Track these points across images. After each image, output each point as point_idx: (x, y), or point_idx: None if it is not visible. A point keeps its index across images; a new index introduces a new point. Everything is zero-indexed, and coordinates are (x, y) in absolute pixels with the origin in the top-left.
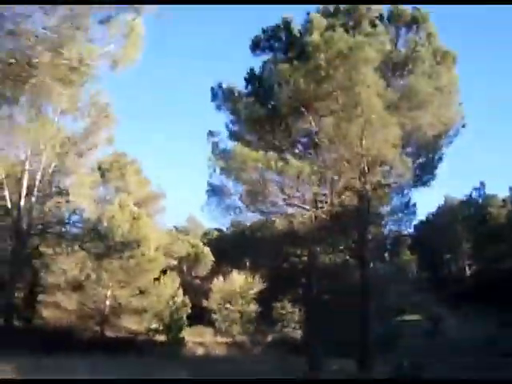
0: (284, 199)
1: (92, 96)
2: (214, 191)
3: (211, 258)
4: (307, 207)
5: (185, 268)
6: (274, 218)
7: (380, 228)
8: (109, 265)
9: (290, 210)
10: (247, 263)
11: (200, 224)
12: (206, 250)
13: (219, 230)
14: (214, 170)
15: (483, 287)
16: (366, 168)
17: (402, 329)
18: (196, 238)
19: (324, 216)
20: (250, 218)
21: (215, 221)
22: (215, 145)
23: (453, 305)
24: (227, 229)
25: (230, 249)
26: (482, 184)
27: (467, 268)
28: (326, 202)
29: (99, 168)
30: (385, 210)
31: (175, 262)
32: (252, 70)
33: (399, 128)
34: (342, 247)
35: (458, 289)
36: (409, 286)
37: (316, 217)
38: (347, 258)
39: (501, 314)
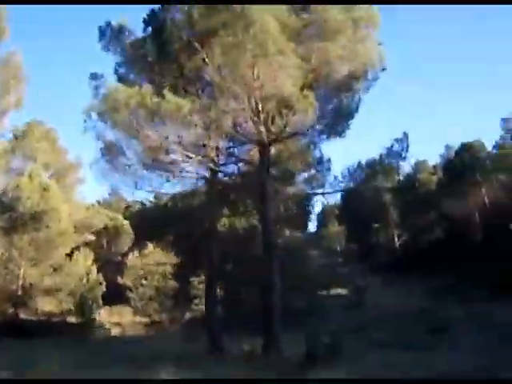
0: (166, 150)
1: (5, 55)
2: (104, 146)
3: (131, 232)
4: (192, 156)
5: (104, 243)
6: (161, 173)
7: (288, 187)
8: (19, 241)
9: (175, 160)
10: (167, 237)
11: (123, 197)
12: (126, 223)
13: (142, 204)
14: (90, 116)
15: (412, 258)
16: (261, 108)
17: (324, 302)
18: (118, 212)
19: (215, 169)
20: (142, 176)
21: (104, 180)
22: (96, 88)
23: (381, 276)
24: (150, 202)
25: (149, 222)
26: (406, 135)
27: (396, 238)
28: (218, 150)
29: (14, 136)
30: (294, 165)
31: (93, 237)
32: (153, 11)
33: (303, 61)
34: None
35: (387, 259)
36: (336, 257)
37: (213, 172)
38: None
39: (428, 284)
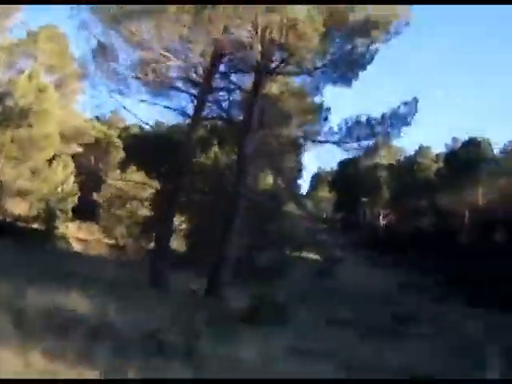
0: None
1: None
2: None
3: (122, 152)
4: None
5: (92, 158)
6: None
7: (280, 126)
8: (1, 136)
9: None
10: (153, 164)
11: (123, 119)
12: (119, 142)
13: (140, 128)
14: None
15: (394, 241)
16: (260, 21)
17: (294, 262)
18: (115, 131)
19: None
20: (126, 82)
21: (88, 80)
22: None
23: (360, 251)
24: (151, 127)
25: (141, 147)
26: (415, 100)
27: (382, 216)
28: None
29: (26, 35)
30: (290, 105)
31: (81, 149)
32: None
33: None
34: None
35: (370, 237)
36: (319, 223)
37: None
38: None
39: (404, 272)
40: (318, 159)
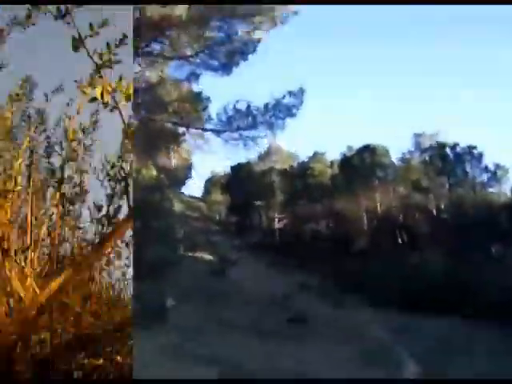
0: None
1: None
2: None
3: None
4: None
5: None
6: None
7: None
8: None
9: None
10: None
11: None
12: None
13: None
14: None
15: (290, 244)
16: None
17: (184, 262)
18: None
19: None
20: None
21: None
22: None
23: (255, 255)
24: None
25: None
26: (302, 90)
27: (277, 220)
28: None
29: None
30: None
31: None
32: None
33: None
34: None
35: (265, 240)
36: (213, 225)
37: None
38: None
39: (304, 276)
40: (200, 149)
